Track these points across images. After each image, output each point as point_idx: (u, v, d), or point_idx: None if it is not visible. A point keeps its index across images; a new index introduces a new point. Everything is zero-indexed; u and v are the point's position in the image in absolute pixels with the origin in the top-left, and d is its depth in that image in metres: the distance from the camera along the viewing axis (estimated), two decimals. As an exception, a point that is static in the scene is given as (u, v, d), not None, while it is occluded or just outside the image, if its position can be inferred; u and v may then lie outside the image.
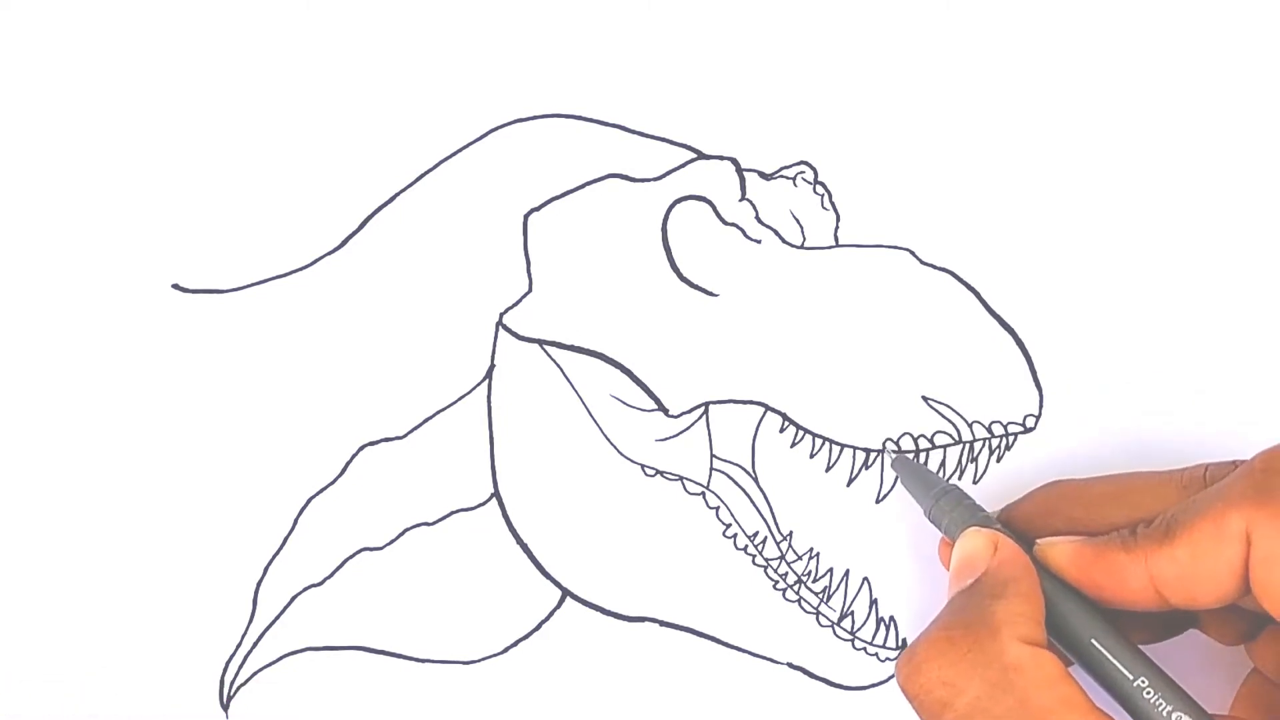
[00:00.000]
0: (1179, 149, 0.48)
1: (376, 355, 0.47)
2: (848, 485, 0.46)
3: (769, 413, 0.46)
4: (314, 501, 0.46)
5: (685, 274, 0.47)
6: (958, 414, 0.46)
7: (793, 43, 0.49)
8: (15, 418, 0.47)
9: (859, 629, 0.45)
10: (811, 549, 0.46)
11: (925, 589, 0.45)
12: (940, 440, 0.45)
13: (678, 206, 0.48)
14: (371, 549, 0.46)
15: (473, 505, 0.46)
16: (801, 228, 0.48)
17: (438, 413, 0.47)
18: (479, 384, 0.47)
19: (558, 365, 0.47)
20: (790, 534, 0.46)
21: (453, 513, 0.46)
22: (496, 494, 0.46)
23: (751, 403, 0.46)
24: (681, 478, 0.46)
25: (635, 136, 0.48)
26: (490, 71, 0.49)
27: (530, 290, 0.47)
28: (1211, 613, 0.41)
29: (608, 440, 0.46)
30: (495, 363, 0.47)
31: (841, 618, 0.46)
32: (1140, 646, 0.40)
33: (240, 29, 0.49)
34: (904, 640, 0.45)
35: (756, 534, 0.46)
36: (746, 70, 0.49)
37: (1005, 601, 0.37)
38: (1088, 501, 0.41)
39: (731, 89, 0.49)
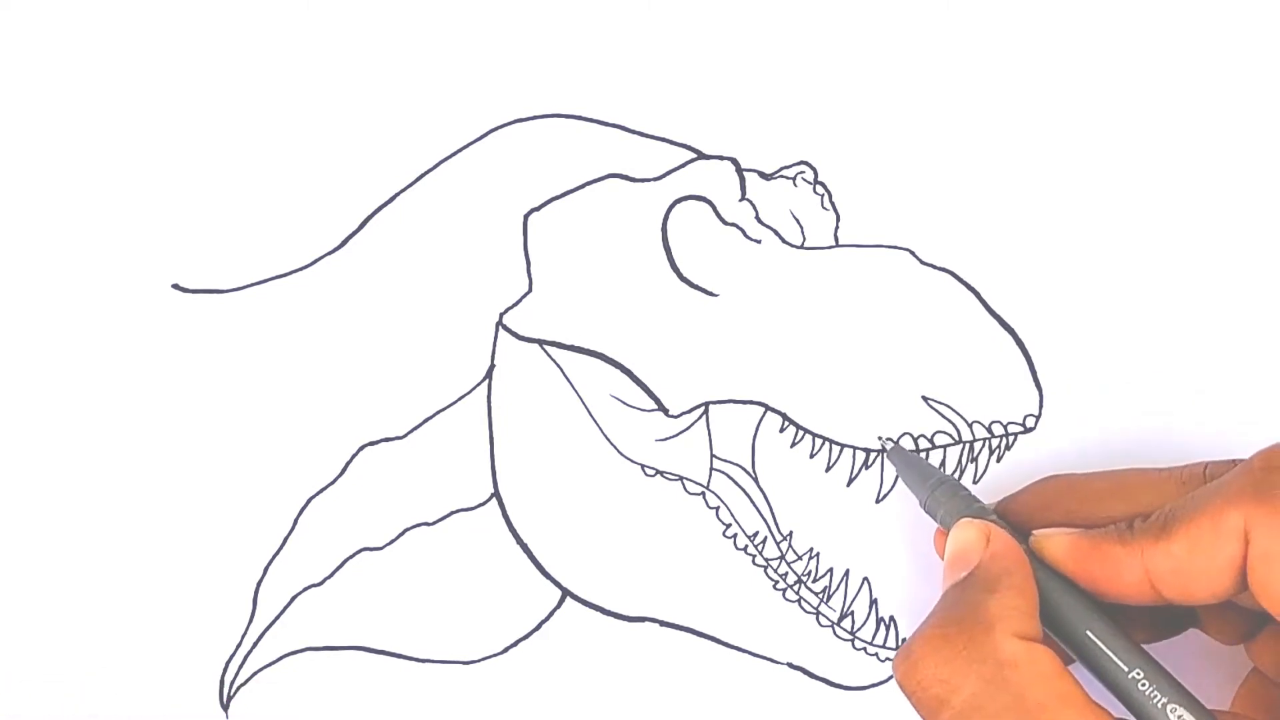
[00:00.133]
0: (1179, 149, 0.48)
1: (376, 355, 0.47)
2: (848, 485, 0.46)
3: (769, 413, 0.46)
4: (314, 501, 0.46)
5: (685, 274, 0.47)
6: (958, 414, 0.46)
7: (793, 43, 0.49)
8: (15, 418, 0.47)
9: (859, 629, 0.45)
10: (811, 549, 0.46)
11: (925, 589, 0.45)
12: (940, 440, 0.45)
13: (678, 206, 0.48)
14: (371, 549, 0.46)
15: (473, 505, 0.46)
16: (801, 228, 0.48)
17: (438, 413, 0.47)
18: (479, 384, 0.47)
19: (558, 365, 0.47)
20: (790, 534, 0.46)
21: (453, 513, 0.46)
22: (496, 494, 0.46)
23: (751, 403, 0.46)
24: (681, 478, 0.46)
25: (635, 136, 0.48)
26: (490, 71, 0.49)
27: (530, 290, 0.47)
28: (1211, 611, 0.41)
29: (608, 440, 0.46)
30: (495, 363, 0.47)
31: (841, 618, 0.46)
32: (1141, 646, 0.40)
33: (240, 29, 0.49)
34: (904, 640, 0.45)
35: (756, 534, 0.46)
36: (746, 70, 0.49)
37: (999, 596, 0.37)
38: (1086, 495, 0.41)
39: (731, 89, 0.49)
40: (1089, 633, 0.38)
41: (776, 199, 0.48)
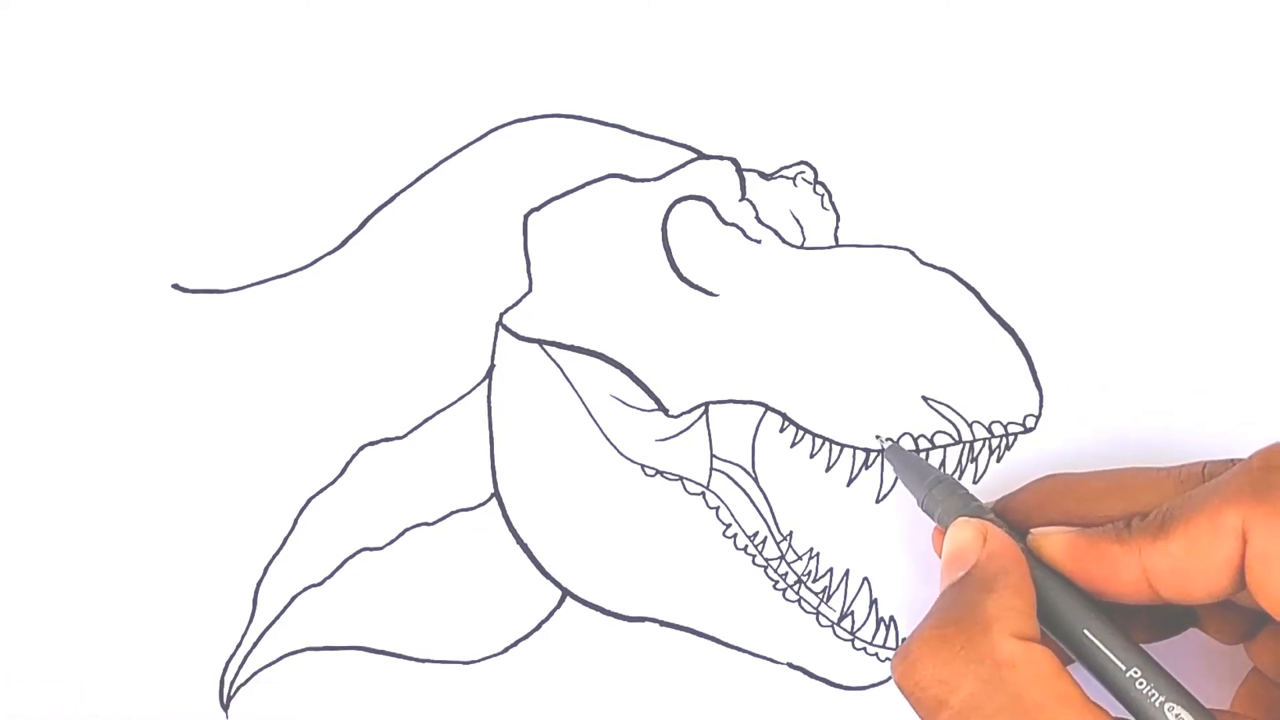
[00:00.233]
0: (1179, 149, 0.48)
1: (376, 355, 0.47)
2: (848, 485, 0.46)
3: (769, 413, 0.46)
4: (314, 501, 0.46)
5: (685, 274, 0.47)
6: (958, 414, 0.46)
7: (793, 43, 0.49)
8: (15, 418, 0.47)
9: (859, 629, 0.45)
10: (811, 549, 0.46)
11: (925, 589, 0.45)
12: (940, 440, 0.45)
13: (678, 206, 0.48)
14: (371, 549, 0.46)
15: (473, 505, 0.46)
16: (801, 228, 0.48)
17: (438, 413, 0.47)
18: (479, 384, 0.47)
19: (558, 365, 0.47)
20: (790, 534, 0.46)
21: (453, 513, 0.46)
22: (496, 494, 0.46)
23: (751, 403, 0.46)
24: (681, 478, 0.46)
25: (635, 136, 0.48)
26: (490, 71, 0.49)
27: (530, 290, 0.47)
28: (1211, 611, 0.41)
29: (608, 440, 0.46)
30: (495, 363, 0.47)
31: (841, 618, 0.46)
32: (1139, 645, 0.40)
33: (240, 29, 0.49)
34: (903, 640, 0.45)
35: (756, 534, 0.46)
36: (746, 70, 0.49)
37: (996, 596, 0.37)
38: (1084, 494, 0.41)
39: (731, 89, 0.49)
40: (1086, 632, 0.38)
41: (776, 199, 0.48)
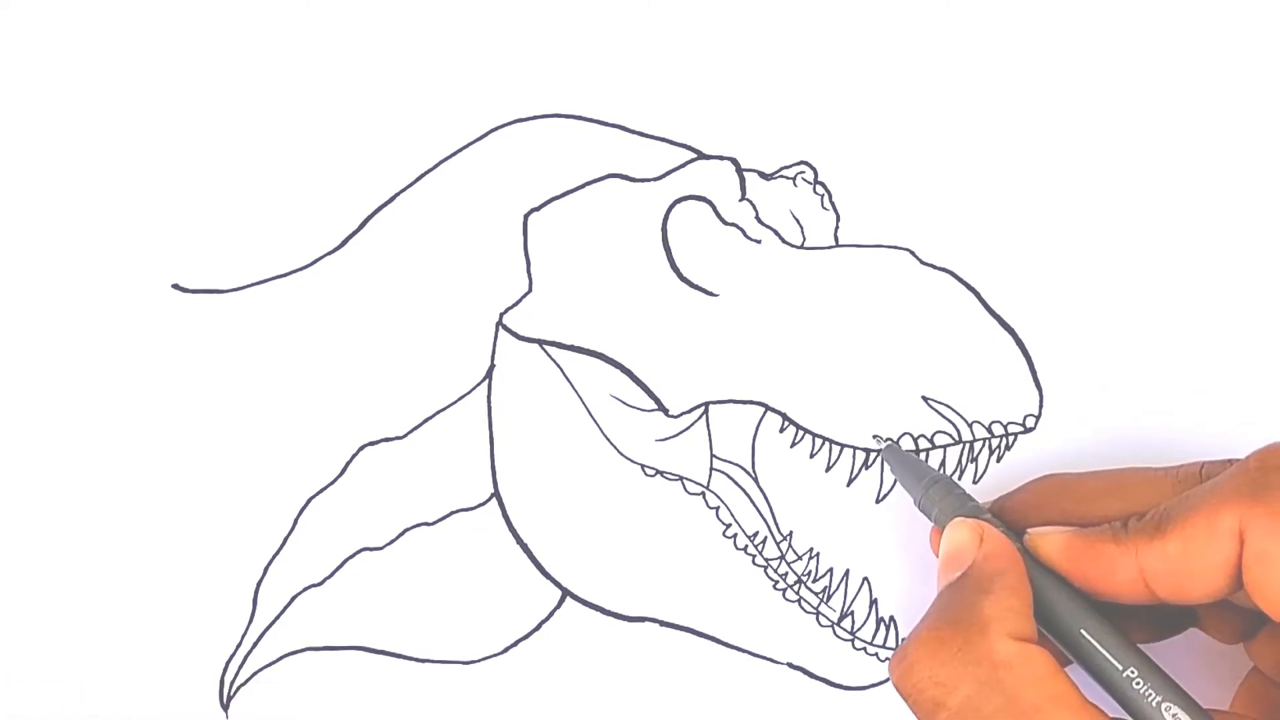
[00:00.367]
0: (1179, 149, 0.48)
1: (376, 355, 0.47)
2: (848, 485, 0.46)
3: (769, 413, 0.46)
4: (314, 501, 0.46)
5: (685, 274, 0.47)
6: (958, 414, 0.46)
7: (793, 43, 0.49)
8: (15, 418, 0.47)
9: (859, 629, 0.45)
10: (811, 549, 0.46)
11: (925, 589, 0.45)
12: (940, 440, 0.45)
13: (678, 206, 0.48)
14: (371, 549, 0.46)
15: (473, 505, 0.46)
16: (801, 228, 0.48)
17: (438, 413, 0.47)
18: (479, 384, 0.47)
19: (558, 365, 0.47)
20: (790, 534, 0.46)
21: (453, 513, 0.46)
22: (496, 494, 0.46)
23: (751, 403, 0.46)
24: (681, 478, 0.46)
25: (635, 136, 0.48)
26: (490, 71, 0.49)
27: (530, 290, 0.47)
28: (1211, 611, 0.41)
29: (608, 440, 0.46)
30: (495, 363, 0.47)
31: (841, 618, 0.46)
32: (1140, 644, 0.40)
33: (240, 29, 0.49)
34: (901, 642, 0.45)
35: (756, 534, 0.46)
36: (746, 70, 0.49)
37: (993, 597, 0.37)
38: (1081, 494, 0.41)
39: (731, 89, 0.49)
40: (1083, 631, 0.38)
41: (776, 199, 0.48)
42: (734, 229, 0.48)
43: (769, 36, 0.49)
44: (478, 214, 0.48)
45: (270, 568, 0.46)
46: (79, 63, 0.49)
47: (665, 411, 0.46)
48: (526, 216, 0.48)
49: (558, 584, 0.46)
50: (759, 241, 0.48)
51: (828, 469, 0.46)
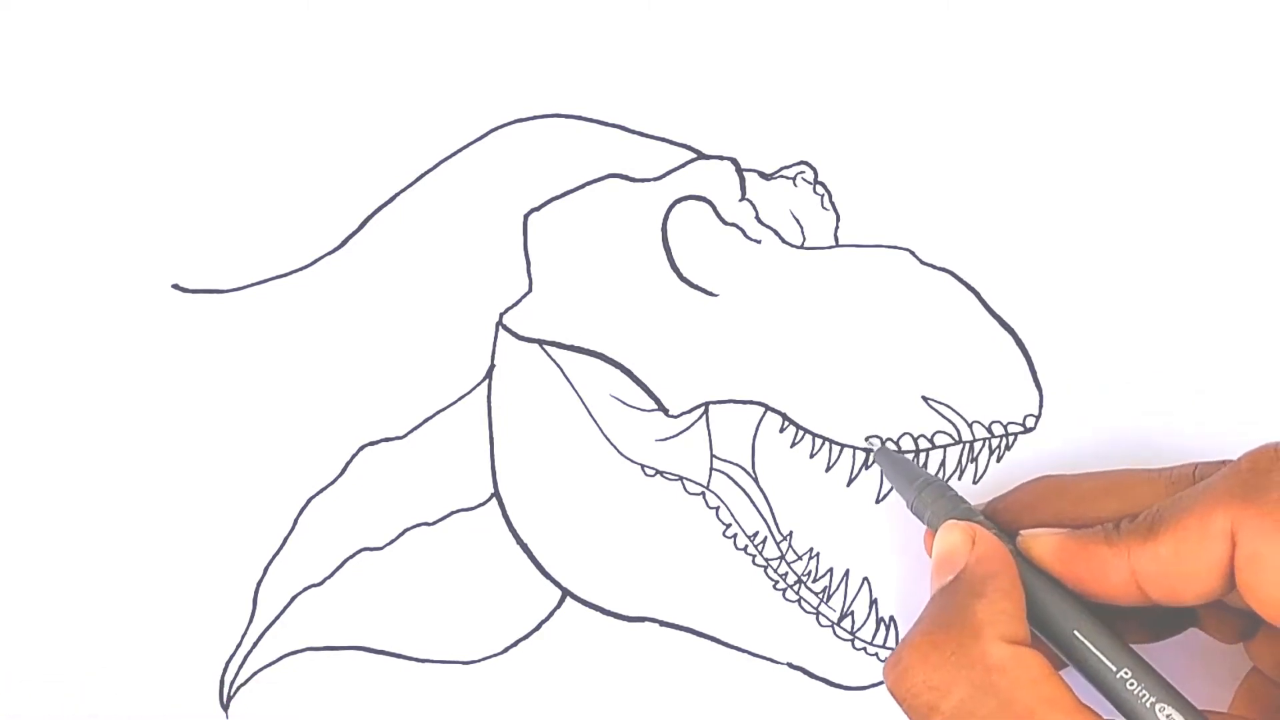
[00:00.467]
0: (1179, 149, 0.48)
1: (376, 355, 0.47)
2: (848, 485, 0.46)
3: (769, 413, 0.46)
4: (314, 501, 0.46)
5: (685, 274, 0.47)
6: (958, 414, 0.46)
7: (793, 43, 0.49)
8: (15, 418, 0.47)
9: (859, 629, 0.45)
10: (811, 549, 0.46)
11: (925, 589, 0.45)
12: (940, 440, 0.45)
13: (678, 206, 0.48)
14: (371, 549, 0.46)
15: (473, 505, 0.46)
16: (801, 228, 0.48)
17: (438, 413, 0.47)
18: (479, 384, 0.47)
19: (558, 365, 0.47)
20: (790, 534, 0.46)
21: (453, 513, 0.46)
22: (496, 494, 0.46)
23: (751, 403, 0.46)
24: (681, 478, 0.46)
25: (635, 136, 0.48)
26: (490, 71, 0.49)
27: (530, 290, 0.47)
28: (1210, 611, 0.41)
29: (608, 440, 0.46)
30: (495, 363, 0.47)
31: (841, 618, 0.46)
32: (1139, 645, 0.40)
33: (240, 29, 0.49)
34: (895, 647, 0.45)
35: (756, 534, 0.46)
36: (746, 70, 0.49)
37: (986, 600, 0.37)
38: (1074, 496, 0.41)
39: (731, 89, 0.49)
40: (1076, 633, 0.38)
41: (776, 199, 0.48)
42: (734, 229, 0.48)
43: (769, 36, 0.49)
44: (478, 214, 0.48)
45: (270, 568, 0.46)
46: (79, 63, 0.49)
47: (665, 411, 0.46)
48: (526, 216, 0.48)
49: (558, 584, 0.46)
50: (759, 241, 0.48)
51: (828, 469, 0.46)
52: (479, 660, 0.46)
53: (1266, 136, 0.48)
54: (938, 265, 0.47)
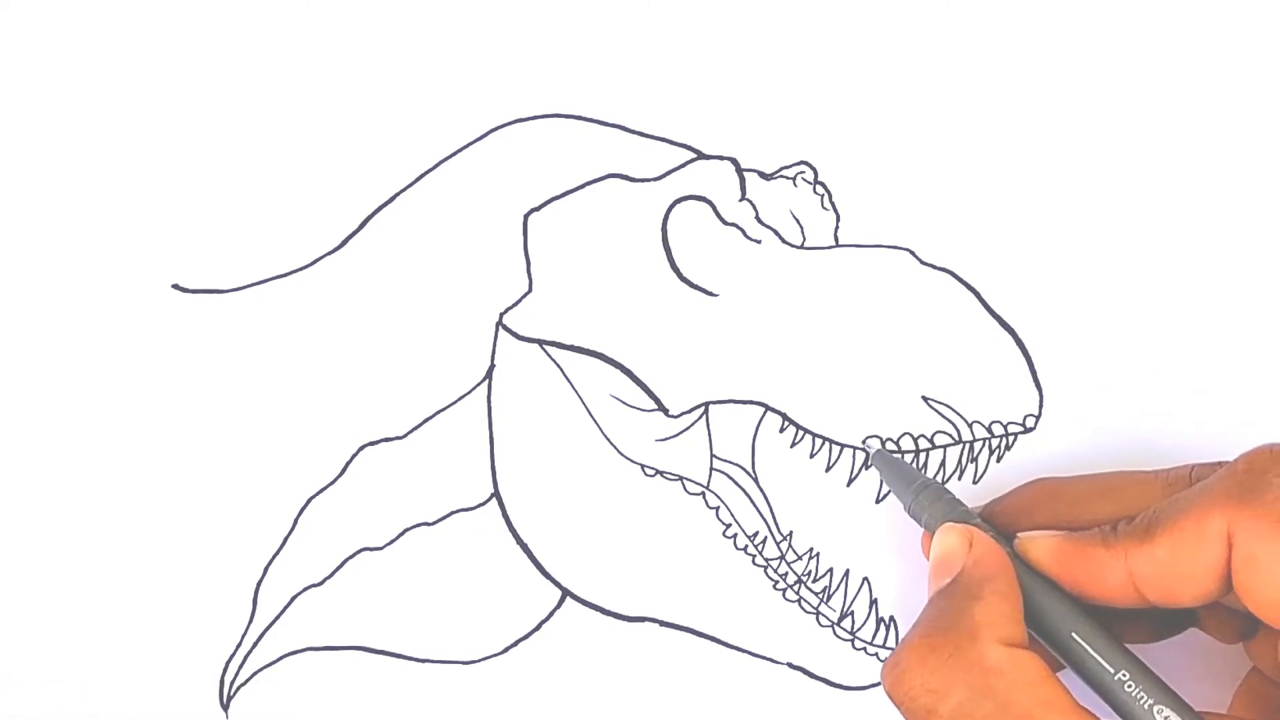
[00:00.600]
0: (1179, 149, 0.48)
1: (376, 355, 0.47)
2: (848, 485, 0.46)
3: (769, 413, 0.46)
4: (314, 501, 0.46)
5: (685, 274, 0.47)
6: (958, 414, 0.46)
7: (793, 43, 0.49)
8: (15, 418, 0.47)
9: (859, 629, 0.45)
10: (811, 549, 0.46)
11: (925, 589, 0.45)
12: (940, 440, 0.45)
13: (678, 206, 0.48)
14: (371, 549, 0.46)
15: (473, 505, 0.46)
16: (801, 228, 0.48)
17: (438, 413, 0.47)
18: (479, 384, 0.47)
19: (558, 365, 0.47)
20: (790, 534, 0.46)
21: (453, 513, 0.46)
22: (496, 494, 0.46)
23: (751, 403, 0.46)
24: (681, 478, 0.46)
25: (635, 136, 0.48)
26: (490, 71, 0.49)
27: (530, 290, 0.47)
28: (1210, 611, 0.41)
29: (608, 440, 0.46)
30: (495, 363, 0.47)
31: (841, 618, 0.46)
32: (1138, 645, 0.40)
33: (240, 29, 0.49)
34: (893, 650, 0.45)
35: (756, 534, 0.46)
36: (746, 70, 0.49)
37: (983, 602, 0.37)
38: (1071, 498, 0.41)
39: (731, 89, 0.49)
40: (1074, 635, 0.38)
41: (776, 199, 0.48)
42: (734, 229, 0.48)
43: (769, 36, 0.49)
44: (478, 214, 0.48)
45: (270, 568, 0.46)
46: (79, 63, 0.49)
47: (665, 411, 0.46)
48: (526, 216, 0.48)
49: (558, 584, 0.46)
50: (759, 241, 0.48)
51: (828, 469, 0.46)
52: (479, 660, 0.46)
53: (1266, 136, 0.48)
54: (938, 265, 0.47)
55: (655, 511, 0.46)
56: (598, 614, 0.46)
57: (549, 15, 0.49)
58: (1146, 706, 0.37)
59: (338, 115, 0.49)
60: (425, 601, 0.46)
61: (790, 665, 0.46)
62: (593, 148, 0.48)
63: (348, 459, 0.47)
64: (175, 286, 0.48)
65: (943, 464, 0.45)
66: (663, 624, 0.46)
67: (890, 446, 0.45)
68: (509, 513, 0.46)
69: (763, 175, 0.48)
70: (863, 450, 0.46)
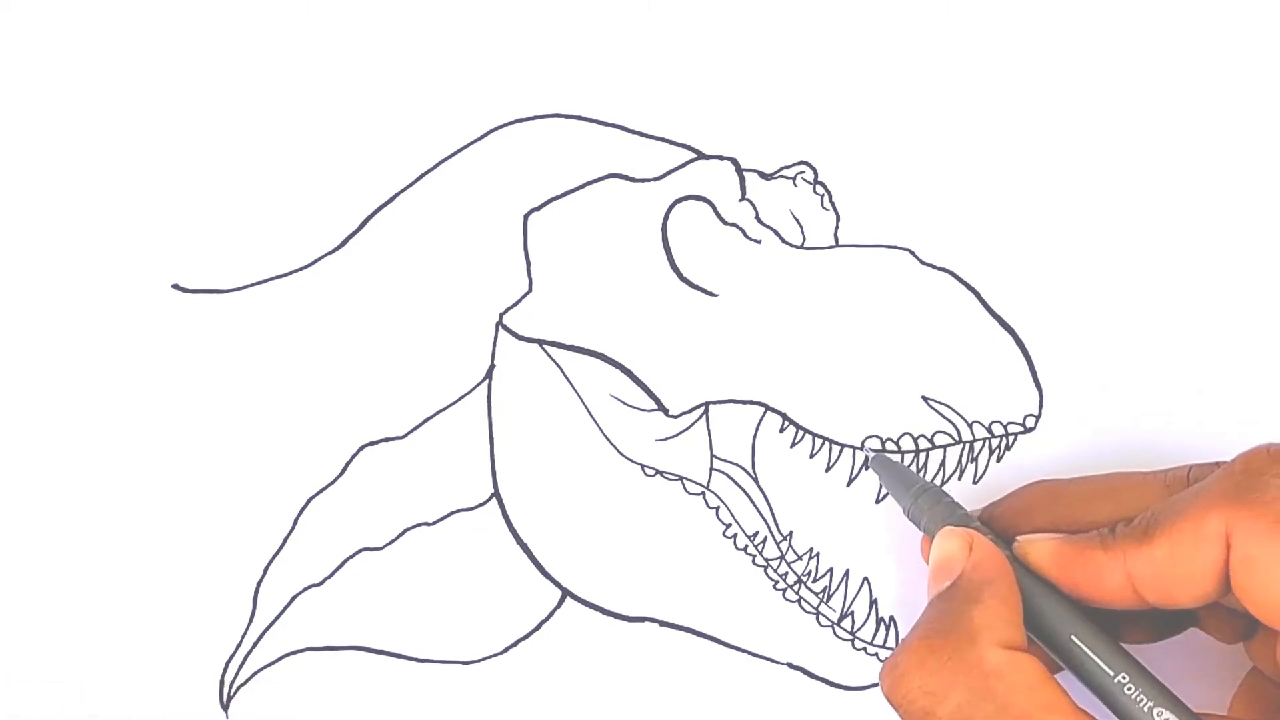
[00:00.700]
0: (1179, 149, 0.48)
1: (376, 355, 0.47)
2: (848, 485, 0.46)
3: (769, 413, 0.46)
4: (314, 501, 0.46)
5: (685, 274, 0.47)
6: (958, 414, 0.46)
7: (793, 43, 0.49)
8: (15, 418, 0.47)
9: (859, 629, 0.45)
10: (811, 549, 0.46)
11: (925, 589, 0.45)
12: (940, 440, 0.45)
13: (678, 206, 0.48)
14: (371, 549, 0.46)
15: (473, 505, 0.46)
16: (801, 228, 0.48)
17: (438, 413, 0.47)
18: (479, 384, 0.47)
19: (558, 365, 0.47)
20: (790, 534, 0.46)
21: (453, 513, 0.46)
22: (496, 494, 0.46)
23: (751, 403, 0.46)
24: (681, 478, 0.46)
25: (635, 136, 0.48)
26: (490, 71, 0.49)
27: (530, 290, 0.47)
28: (1210, 611, 0.41)
29: (608, 440, 0.46)
30: (495, 363, 0.47)
31: (841, 618, 0.46)
32: (1138, 645, 0.40)
33: (240, 29, 0.49)
34: (892, 652, 0.45)
35: (756, 534, 0.46)
36: (746, 70, 0.49)
37: (982, 606, 0.37)
38: (1070, 500, 0.41)
39: (731, 89, 0.49)
40: (1074, 638, 0.38)
41: (776, 199, 0.48)
42: (734, 229, 0.48)
43: (769, 36, 0.49)
44: (478, 214, 0.48)
45: (270, 568, 0.46)
46: (79, 63, 0.49)
47: (665, 411, 0.46)
48: (526, 216, 0.48)
49: (558, 584, 0.46)
50: (759, 241, 0.48)
51: (828, 469, 0.46)
52: (479, 660, 0.46)
53: (1266, 136, 0.48)
54: (938, 265, 0.47)
55: (655, 511, 0.46)
56: (598, 614, 0.46)
57: (549, 15, 0.49)
58: (1146, 709, 0.37)
59: (338, 115, 0.49)
60: (425, 601, 0.46)
61: (790, 665, 0.46)
62: (593, 148, 0.48)
63: (348, 459, 0.47)
64: (175, 286, 0.48)
65: (943, 464, 0.45)
66: (663, 624, 0.46)
67: (890, 447, 0.45)
68: (509, 513, 0.46)
69: (763, 175, 0.48)
70: (862, 452, 0.46)
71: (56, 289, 0.48)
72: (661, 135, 0.48)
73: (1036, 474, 0.43)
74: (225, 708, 0.46)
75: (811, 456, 0.46)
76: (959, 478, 0.46)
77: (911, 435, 0.46)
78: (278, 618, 0.46)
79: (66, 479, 0.47)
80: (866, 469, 0.46)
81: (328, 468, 0.47)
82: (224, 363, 0.47)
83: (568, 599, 0.46)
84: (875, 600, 0.46)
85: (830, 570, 0.46)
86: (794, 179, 0.48)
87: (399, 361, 0.47)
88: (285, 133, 0.48)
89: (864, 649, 0.45)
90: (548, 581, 0.46)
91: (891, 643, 0.45)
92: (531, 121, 0.49)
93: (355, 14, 0.49)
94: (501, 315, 0.47)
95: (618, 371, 0.47)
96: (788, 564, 0.46)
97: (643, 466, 0.46)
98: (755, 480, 0.46)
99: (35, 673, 0.46)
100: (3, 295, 0.48)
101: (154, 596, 0.46)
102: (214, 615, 0.46)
